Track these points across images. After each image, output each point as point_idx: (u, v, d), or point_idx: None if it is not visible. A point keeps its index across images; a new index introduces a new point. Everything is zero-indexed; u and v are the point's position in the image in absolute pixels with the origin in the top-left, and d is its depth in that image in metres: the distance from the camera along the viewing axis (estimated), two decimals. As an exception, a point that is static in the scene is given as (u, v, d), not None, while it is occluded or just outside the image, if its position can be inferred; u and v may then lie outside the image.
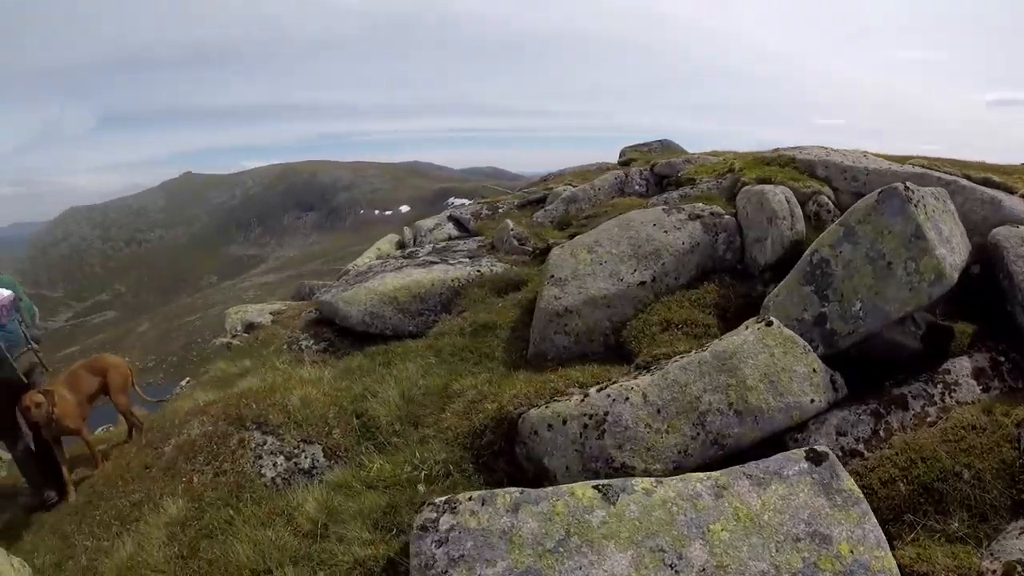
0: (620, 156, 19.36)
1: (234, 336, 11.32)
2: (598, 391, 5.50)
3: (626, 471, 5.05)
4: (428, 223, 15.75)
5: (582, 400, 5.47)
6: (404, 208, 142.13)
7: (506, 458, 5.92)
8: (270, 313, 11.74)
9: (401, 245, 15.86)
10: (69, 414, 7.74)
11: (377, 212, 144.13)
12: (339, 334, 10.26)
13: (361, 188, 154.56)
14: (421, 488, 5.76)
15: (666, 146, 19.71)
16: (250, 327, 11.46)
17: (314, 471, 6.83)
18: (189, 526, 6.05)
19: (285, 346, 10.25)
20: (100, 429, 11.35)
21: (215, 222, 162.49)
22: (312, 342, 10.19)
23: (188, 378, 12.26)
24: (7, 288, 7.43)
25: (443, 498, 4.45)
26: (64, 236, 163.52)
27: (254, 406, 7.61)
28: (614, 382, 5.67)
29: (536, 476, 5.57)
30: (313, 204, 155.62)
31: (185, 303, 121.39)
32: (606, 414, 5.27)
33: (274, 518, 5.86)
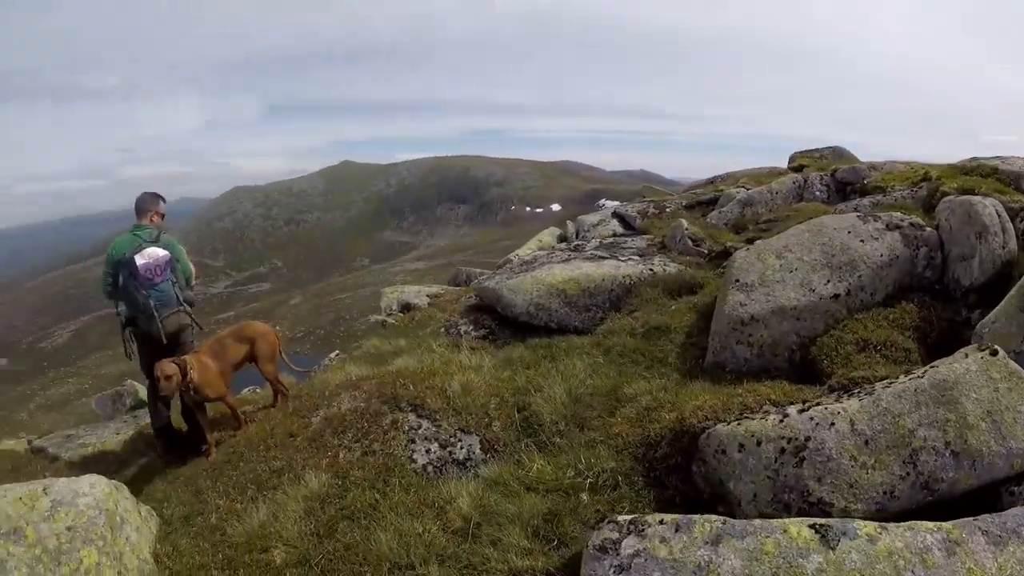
0: (790, 162, 18.33)
1: (389, 315, 11.08)
2: (799, 412, 4.74)
3: (822, 507, 4.34)
4: (592, 218, 15.20)
5: (780, 421, 4.72)
6: (555, 207, 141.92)
7: (680, 475, 5.26)
8: (427, 296, 11.44)
9: (563, 239, 15.36)
10: (209, 383, 7.61)
11: (528, 209, 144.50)
12: (500, 323, 9.79)
13: (513, 184, 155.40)
14: (584, 497, 5.21)
15: (839, 153, 18.51)
16: (406, 307, 11.19)
17: (468, 463, 6.34)
18: (329, 504, 5.71)
19: (442, 329, 9.90)
20: (246, 390, 11.27)
21: (370, 208, 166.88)
22: (471, 328, 9.77)
23: (336, 351, 12.11)
24: (164, 249, 7.42)
25: (628, 517, 3.85)
26: (228, 212, 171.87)
27: (411, 387, 7.20)
28: (816, 404, 4.89)
29: (713, 499, 4.94)
30: (465, 197, 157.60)
31: (337, 281, 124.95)
32: (807, 439, 4.53)
33: (423, 509, 5.43)
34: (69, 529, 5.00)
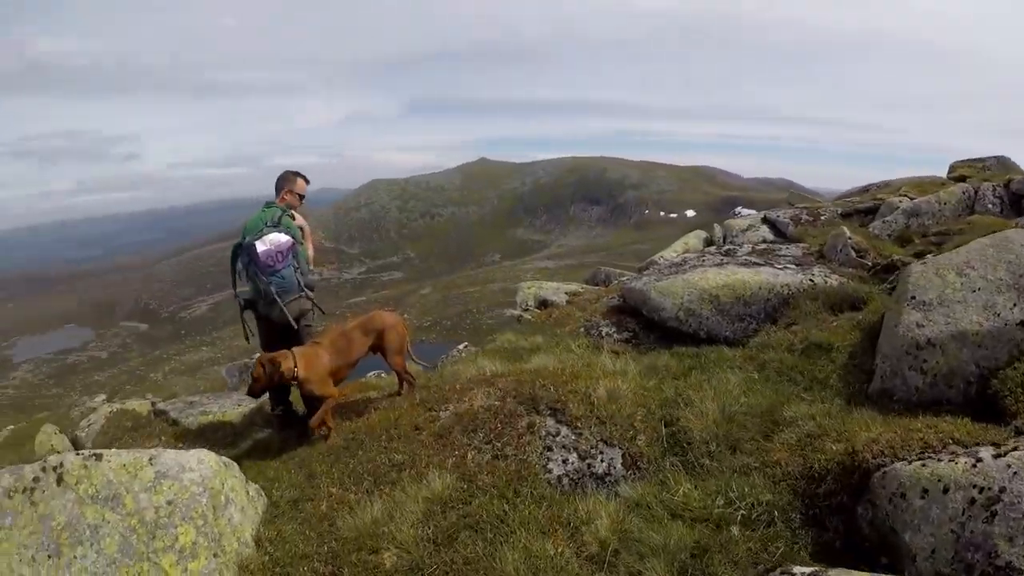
0: (949, 171, 16.99)
1: (525, 310, 10.70)
2: (994, 457, 3.99)
3: (1009, 572, 3.60)
4: (740, 223, 14.39)
5: (972, 466, 4.02)
6: (689, 212, 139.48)
7: (843, 516, 4.59)
8: (566, 293, 11.01)
9: (709, 243, 14.65)
10: (315, 380, 7.14)
11: (662, 214, 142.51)
12: (644, 327, 9.21)
13: (648, 188, 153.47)
14: (735, 531, 4.60)
15: (1003, 164, 17.04)
16: (543, 304, 10.79)
17: (607, 479, 5.80)
18: (451, 509, 5.25)
19: (582, 329, 9.42)
20: (371, 374, 11.07)
21: (505, 206, 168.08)
22: (613, 330, 9.24)
23: (465, 343, 11.83)
24: (286, 234, 7.17)
25: (806, 570, 3.28)
26: (366, 202, 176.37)
27: (551, 389, 6.69)
28: (1014, 448, 4.17)
29: (879, 549, 4.28)
30: (600, 198, 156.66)
31: (467, 275, 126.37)
32: (1001, 490, 3.77)
33: (555, 527, 4.90)
34: (169, 503, 4.89)
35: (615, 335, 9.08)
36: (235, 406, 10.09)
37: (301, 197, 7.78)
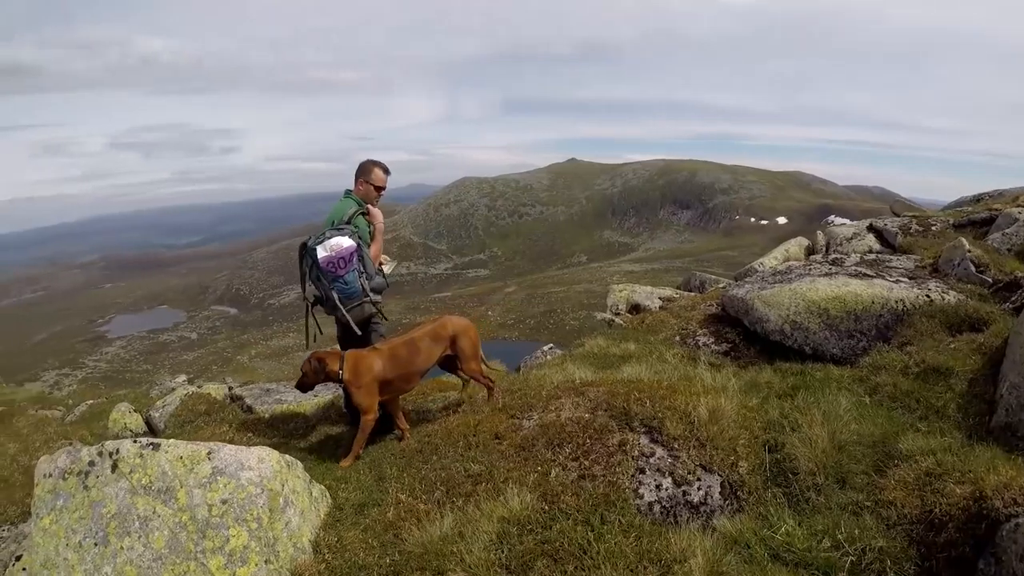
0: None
1: (616, 314, 10.24)
2: None
3: None
4: (844, 231, 13.60)
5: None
6: (781, 219, 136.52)
7: (962, 569, 3.99)
8: (659, 298, 10.50)
9: (810, 251, 13.91)
10: (359, 386, 6.62)
11: (753, 220, 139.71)
12: (745, 339, 8.61)
13: (739, 193, 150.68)
14: (843, 579, 4.01)
15: None
16: (635, 308, 10.31)
17: (703, 508, 5.27)
18: (529, 532, 4.72)
19: (677, 338, 8.93)
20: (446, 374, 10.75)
21: (593, 207, 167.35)
22: (711, 340, 8.71)
23: (550, 344, 11.41)
24: (351, 238, 6.74)
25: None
26: (455, 200, 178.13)
27: (647, 404, 6.14)
28: None
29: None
30: (689, 202, 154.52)
31: (552, 275, 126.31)
32: None
33: (644, 564, 4.33)
34: (224, 502, 4.64)
35: (712, 346, 8.55)
36: (311, 396, 9.88)
37: (379, 189, 7.37)
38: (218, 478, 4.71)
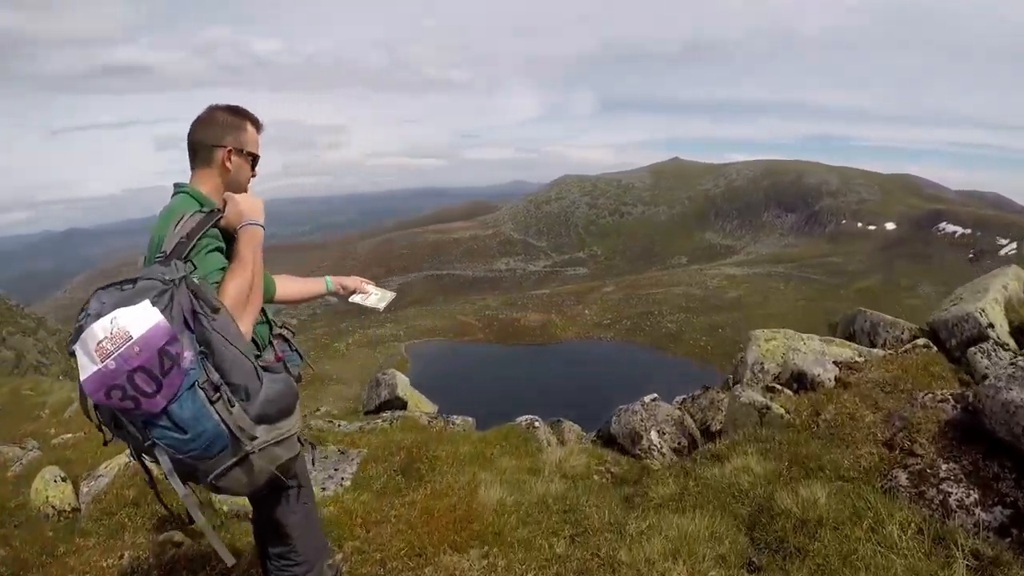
0: None
1: (771, 390, 6.07)
2: None
3: None
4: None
5: None
6: (889, 225, 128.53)
7: None
8: (835, 363, 6.31)
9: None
10: None
11: (860, 225, 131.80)
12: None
13: (846, 196, 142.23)
14: None
15: None
16: (799, 379, 6.13)
17: None
18: None
19: (901, 479, 4.64)
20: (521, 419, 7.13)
21: (695, 207, 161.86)
22: (968, 492, 4.16)
23: (653, 395, 7.78)
24: (167, 306, 2.46)
25: None
26: (556, 197, 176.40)
27: None
28: None
29: None
30: (795, 205, 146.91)
31: (651, 275, 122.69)
32: None
33: None
34: None
35: (976, 510, 3.89)
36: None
37: (254, 163, 3.30)
38: None
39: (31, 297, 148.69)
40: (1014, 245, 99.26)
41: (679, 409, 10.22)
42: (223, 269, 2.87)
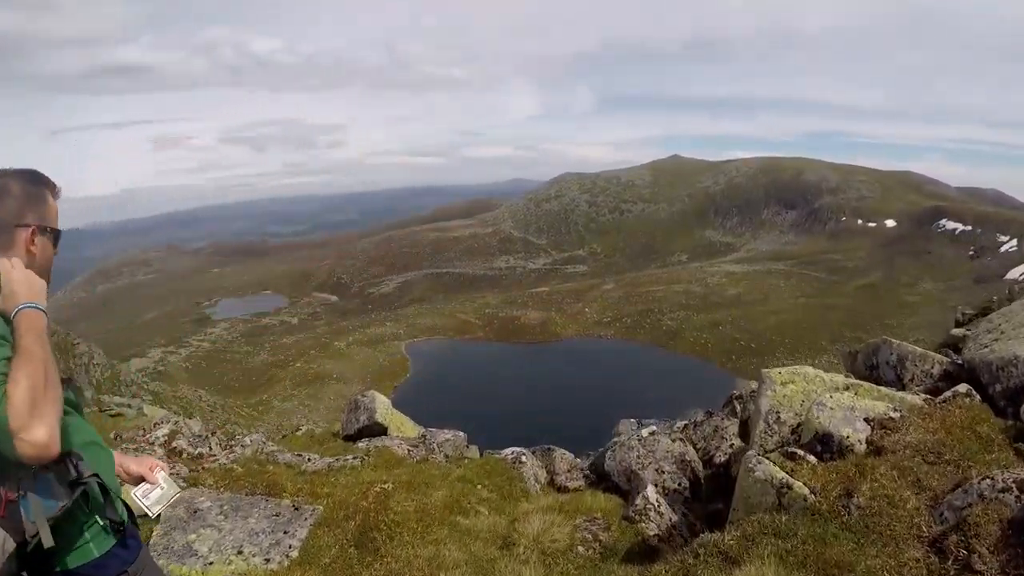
0: None
1: (789, 456, 4.91)
2: None
3: None
4: None
5: None
6: (889, 222, 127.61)
7: None
8: (867, 420, 5.22)
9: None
10: None
11: (860, 222, 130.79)
12: None
13: (847, 193, 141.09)
14: None
15: None
16: (825, 441, 4.98)
17: None
18: None
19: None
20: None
21: (695, 205, 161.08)
22: None
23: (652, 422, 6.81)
24: None
25: None
26: (556, 195, 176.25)
27: None
28: None
29: None
30: (795, 202, 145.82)
31: (652, 274, 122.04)
32: None
33: None
34: None
35: None
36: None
37: (56, 237, 2.66)
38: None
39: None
40: (1014, 242, 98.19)
41: (680, 439, 9.23)
42: (7, 359, 2.26)
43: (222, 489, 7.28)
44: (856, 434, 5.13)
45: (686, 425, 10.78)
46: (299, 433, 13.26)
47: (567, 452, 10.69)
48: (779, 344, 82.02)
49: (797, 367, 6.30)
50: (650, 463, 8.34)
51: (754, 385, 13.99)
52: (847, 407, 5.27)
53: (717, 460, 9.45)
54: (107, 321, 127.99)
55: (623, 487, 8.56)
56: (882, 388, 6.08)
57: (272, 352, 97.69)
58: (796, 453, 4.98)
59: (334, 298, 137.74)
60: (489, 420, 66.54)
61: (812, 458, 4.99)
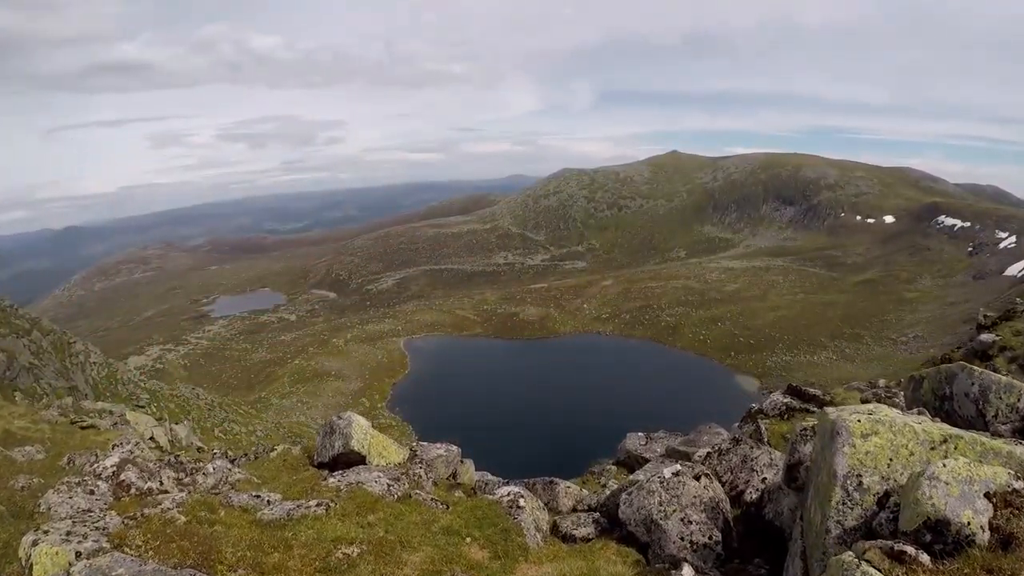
0: None
1: (895, 557, 3.44)
2: None
3: None
4: None
5: None
6: (887, 218, 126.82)
7: None
8: (987, 497, 3.79)
9: None
10: None
11: (858, 218, 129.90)
12: None
13: (845, 189, 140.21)
14: None
15: None
16: (940, 531, 3.51)
17: None
18: None
19: None
20: None
21: (693, 201, 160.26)
22: None
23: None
24: None
25: None
26: (555, 191, 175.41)
27: None
28: None
29: None
30: (793, 198, 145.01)
31: (650, 269, 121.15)
32: None
33: None
34: None
35: None
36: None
37: None
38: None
39: (30, 295, 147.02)
40: (1013, 238, 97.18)
41: (705, 475, 7.77)
42: None
43: (148, 554, 5.80)
44: (977, 517, 3.67)
45: (709, 454, 9.35)
46: (273, 455, 11.80)
47: (571, 484, 9.36)
48: (778, 340, 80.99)
49: (875, 409, 4.80)
50: (674, 511, 6.88)
51: (776, 397, 12.29)
52: (963, 479, 3.79)
53: (747, 498, 8.08)
54: (106, 319, 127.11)
55: (641, 539, 7.10)
56: (985, 438, 4.60)
57: (270, 349, 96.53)
58: (905, 553, 3.50)
59: (332, 295, 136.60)
60: (488, 418, 65.45)
61: (925, 557, 3.53)
